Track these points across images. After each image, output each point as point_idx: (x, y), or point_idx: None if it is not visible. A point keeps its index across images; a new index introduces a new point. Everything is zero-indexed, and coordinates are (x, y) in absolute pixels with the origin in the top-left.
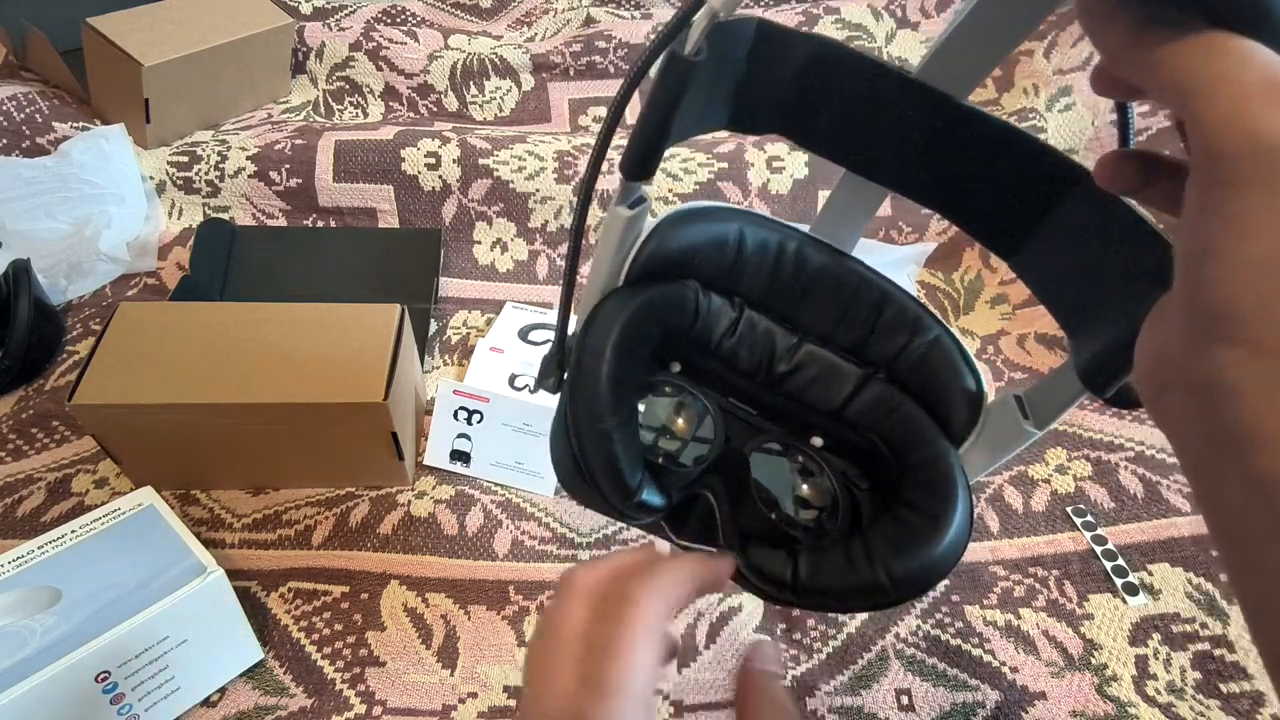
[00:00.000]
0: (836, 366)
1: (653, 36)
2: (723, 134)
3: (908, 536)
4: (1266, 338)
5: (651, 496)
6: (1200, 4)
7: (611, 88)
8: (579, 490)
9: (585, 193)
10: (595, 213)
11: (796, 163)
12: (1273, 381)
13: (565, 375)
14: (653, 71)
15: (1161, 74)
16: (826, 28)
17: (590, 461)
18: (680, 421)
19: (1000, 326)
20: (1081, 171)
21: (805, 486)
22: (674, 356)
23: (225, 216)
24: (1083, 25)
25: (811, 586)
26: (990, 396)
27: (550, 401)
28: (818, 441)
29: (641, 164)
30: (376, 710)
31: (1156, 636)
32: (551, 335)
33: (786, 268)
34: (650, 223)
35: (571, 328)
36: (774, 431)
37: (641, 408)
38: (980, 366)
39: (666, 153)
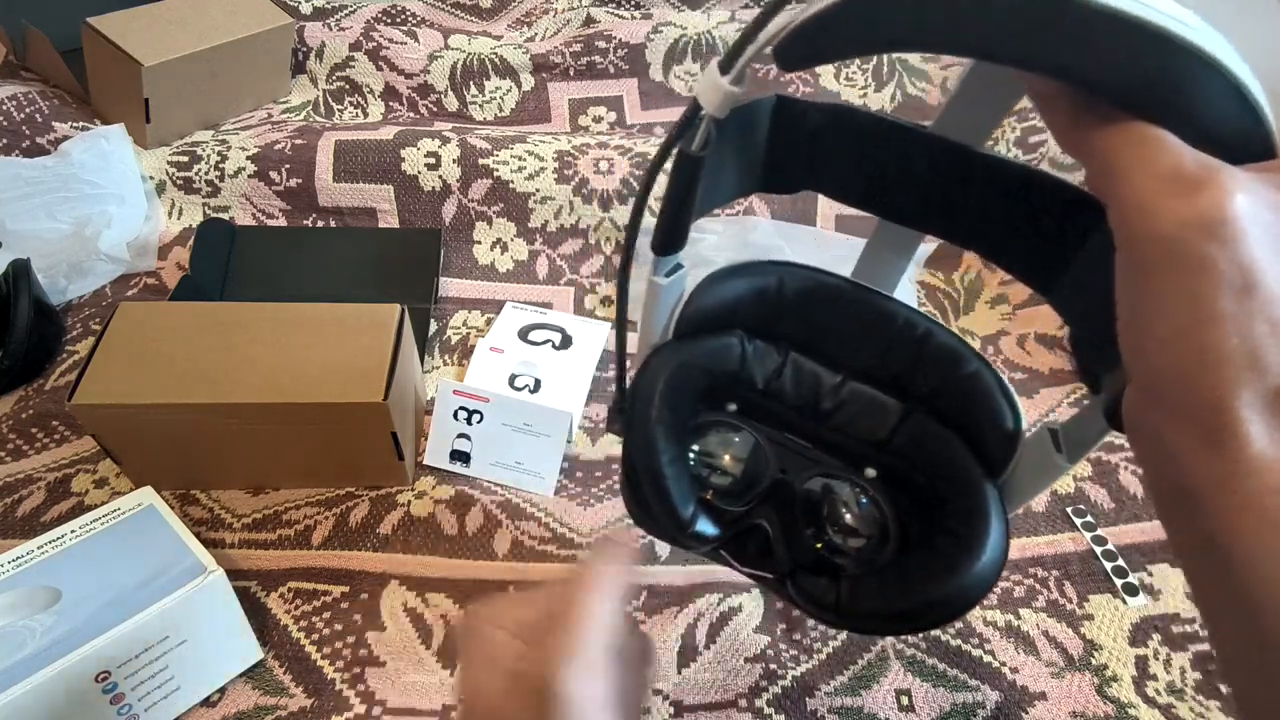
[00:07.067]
0: (879, 402)
1: (653, 37)
2: None
3: (942, 563)
4: (1184, 402)
5: (705, 527)
6: (1113, 94)
7: (611, 88)
8: (645, 523)
9: (626, 258)
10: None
11: None
12: (1195, 442)
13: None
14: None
15: (1091, 156)
16: None
17: (646, 496)
18: (729, 455)
19: (1000, 327)
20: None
21: (849, 516)
22: (729, 399)
23: (225, 216)
24: (1033, 104)
25: (852, 610)
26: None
27: (549, 401)
28: (871, 472)
29: (668, 243)
30: (376, 710)
31: (1156, 637)
32: (551, 335)
33: (826, 311)
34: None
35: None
36: (828, 464)
37: (696, 446)
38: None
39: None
